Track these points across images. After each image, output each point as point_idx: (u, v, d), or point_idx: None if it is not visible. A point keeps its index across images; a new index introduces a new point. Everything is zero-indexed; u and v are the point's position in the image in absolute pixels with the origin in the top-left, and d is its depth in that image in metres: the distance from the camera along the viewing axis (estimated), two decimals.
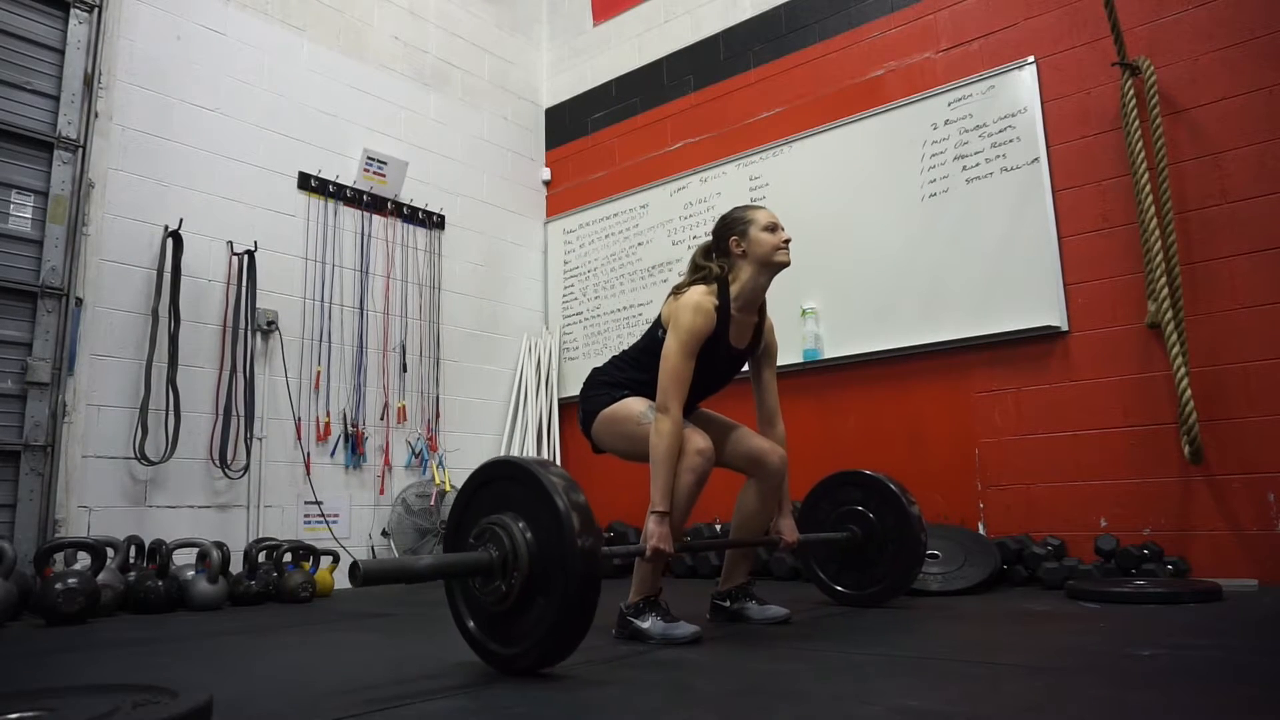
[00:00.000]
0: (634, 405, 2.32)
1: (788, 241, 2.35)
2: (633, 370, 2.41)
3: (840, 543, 2.76)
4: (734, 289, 2.33)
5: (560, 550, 1.62)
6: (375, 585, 1.62)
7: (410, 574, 1.68)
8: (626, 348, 2.55)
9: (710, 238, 2.45)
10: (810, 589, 3.44)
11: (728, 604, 2.51)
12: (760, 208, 2.41)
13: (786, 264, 2.34)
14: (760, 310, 2.45)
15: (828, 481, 2.92)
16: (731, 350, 2.37)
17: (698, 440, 2.20)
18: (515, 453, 4.92)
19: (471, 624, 1.80)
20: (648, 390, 2.32)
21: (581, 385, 2.53)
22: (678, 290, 2.33)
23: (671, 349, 2.20)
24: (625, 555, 2.18)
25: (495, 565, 1.67)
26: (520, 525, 1.69)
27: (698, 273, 2.37)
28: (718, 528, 4.07)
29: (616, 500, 4.37)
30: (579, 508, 1.65)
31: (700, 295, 2.26)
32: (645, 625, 2.16)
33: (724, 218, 2.42)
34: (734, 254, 2.35)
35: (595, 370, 2.52)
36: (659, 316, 2.37)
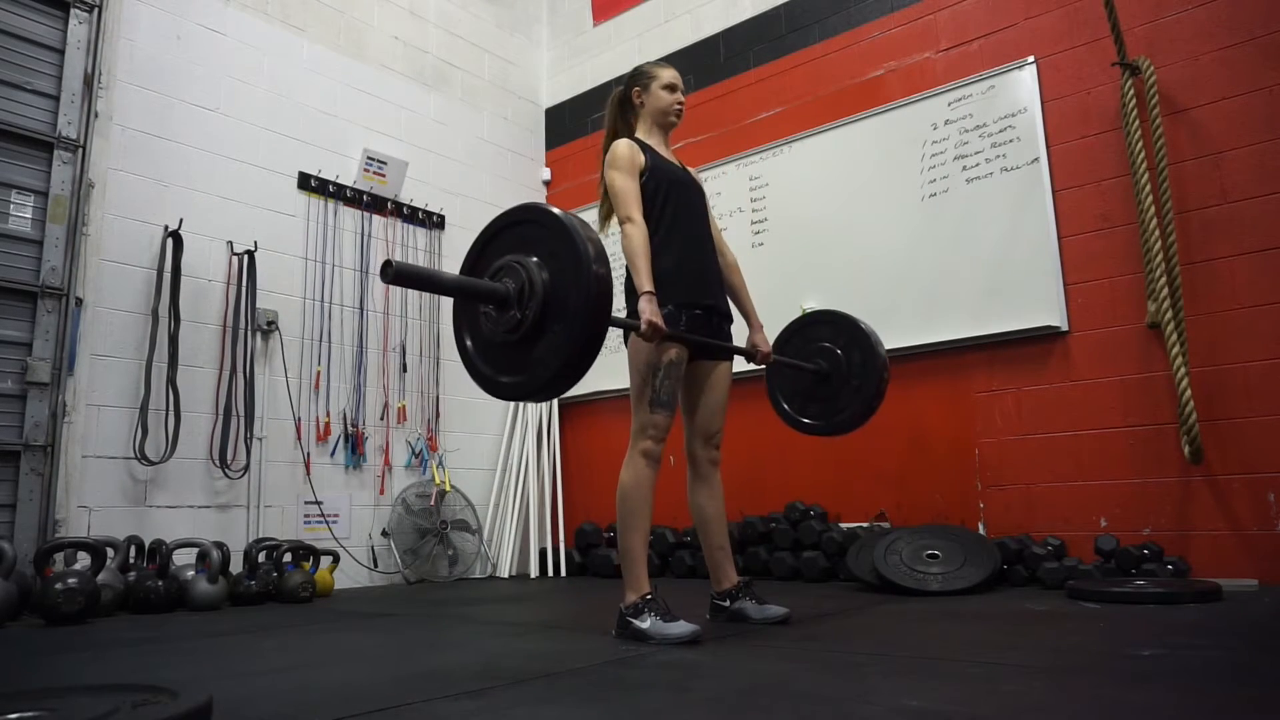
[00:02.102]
0: (644, 356, 2.34)
1: (682, 104, 2.60)
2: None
3: (810, 372, 2.83)
4: (640, 136, 2.58)
5: (577, 278, 1.73)
6: (404, 286, 1.75)
7: (437, 283, 1.90)
8: None
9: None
10: (810, 589, 3.45)
11: (727, 604, 2.51)
12: (668, 66, 2.63)
13: (674, 125, 2.61)
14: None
15: (800, 320, 2.97)
16: (677, 168, 2.56)
17: (648, 444, 2.33)
18: (515, 455, 4.93)
19: (477, 355, 1.93)
20: (661, 275, 2.35)
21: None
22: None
23: (614, 178, 2.42)
24: (624, 327, 2.28)
25: (512, 296, 1.80)
26: (535, 261, 1.81)
27: (611, 117, 2.67)
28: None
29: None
30: (594, 242, 1.77)
31: (620, 142, 2.49)
32: (644, 625, 2.16)
33: (635, 69, 2.67)
34: (635, 105, 2.63)
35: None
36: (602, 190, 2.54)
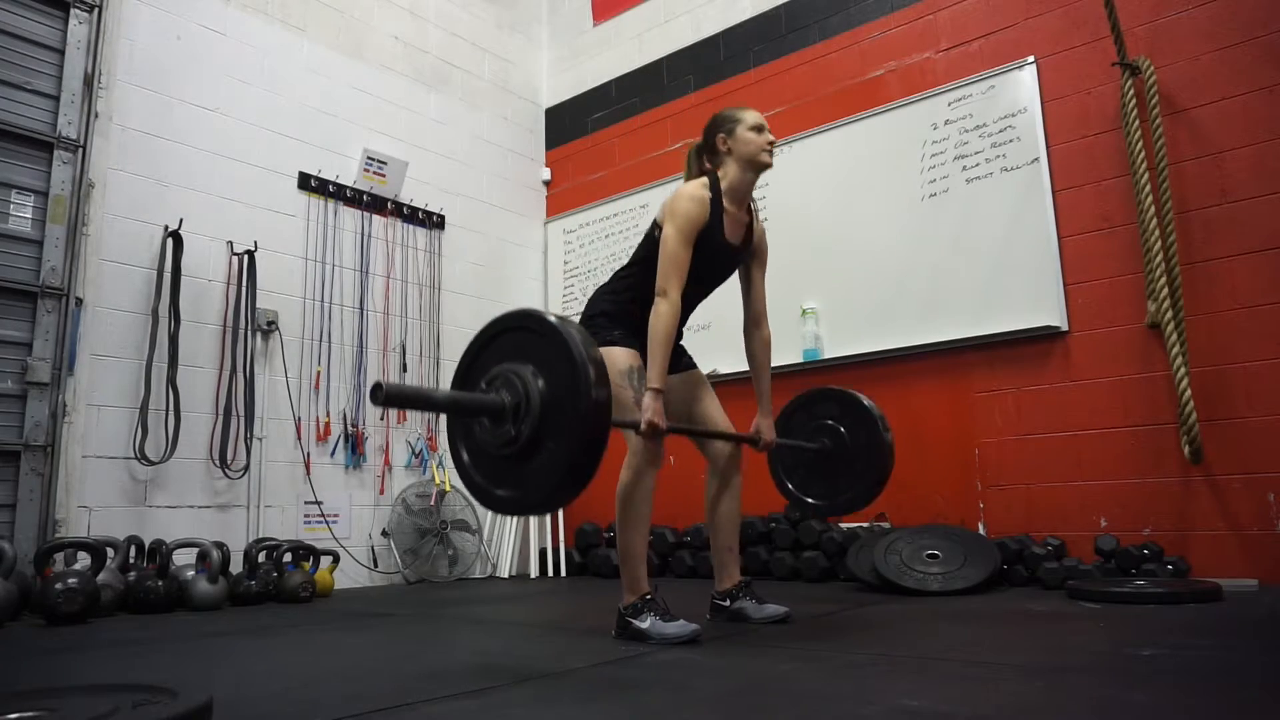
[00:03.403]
0: (619, 361, 2.31)
1: (773, 143, 2.45)
2: (630, 279, 2.45)
3: (813, 452, 2.80)
4: (723, 184, 2.43)
5: (575, 400, 1.65)
6: (394, 406, 1.67)
7: (428, 402, 1.81)
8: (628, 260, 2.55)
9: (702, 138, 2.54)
10: (810, 589, 3.45)
11: (727, 603, 2.51)
12: (749, 109, 2.49)
13: (769, 165, 2.44)
14: (750, 211, 2.53)
15: (807, 395, 2.93)
16: (726, 243, 2.44)
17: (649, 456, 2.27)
18: None
19: (473, 466, 1.85)
20: (641, 306, 2.33)
21: (587, 302, 2.51)
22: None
23: (670, 236, 2.30)
24: (622, 426, 2.20)
25: (507, 409, 1.71)
26: (532, 372, 1.73)
27: (690, 172, 2.52)
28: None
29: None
30: (594, 362, 1.69)
31: (695, 187, 2.37)
32: (644, 625, 2.16)
33: (715, 116, 2.51)
34: (720, 151, 2.46)
35: (600, 289, 2.51)
36: (654, 220, 2.43)
